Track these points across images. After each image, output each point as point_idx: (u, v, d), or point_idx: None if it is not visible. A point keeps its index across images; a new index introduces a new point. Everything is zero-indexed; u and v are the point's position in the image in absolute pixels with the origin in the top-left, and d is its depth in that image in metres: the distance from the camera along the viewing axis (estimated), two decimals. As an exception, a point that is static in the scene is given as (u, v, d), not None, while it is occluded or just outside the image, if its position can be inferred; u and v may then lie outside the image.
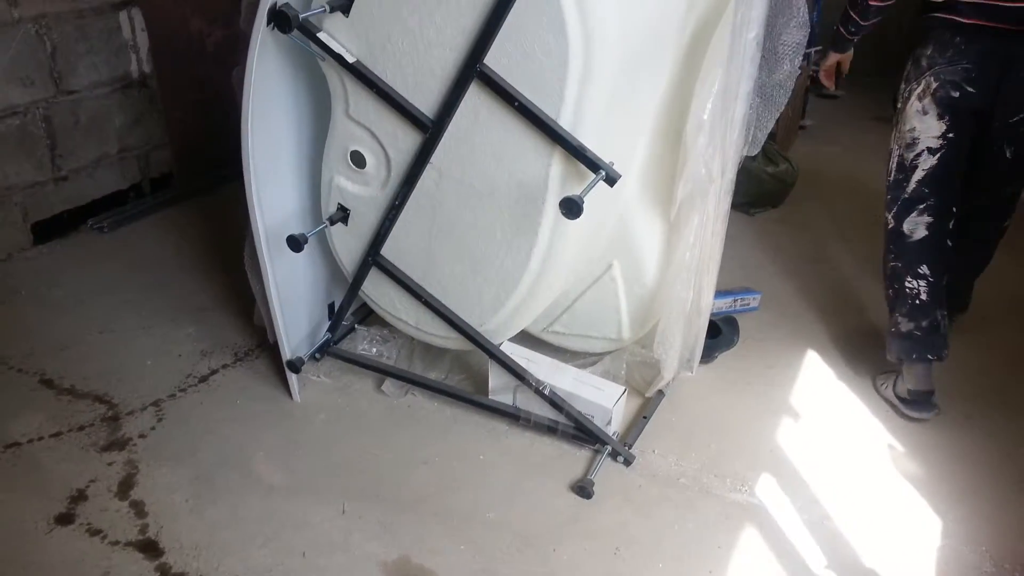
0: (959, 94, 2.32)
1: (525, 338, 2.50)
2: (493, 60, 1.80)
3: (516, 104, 1.82)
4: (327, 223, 2.25)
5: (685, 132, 2.07)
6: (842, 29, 2.65)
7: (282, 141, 2.23)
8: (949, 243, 2.46)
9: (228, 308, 3.00)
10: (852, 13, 2.54)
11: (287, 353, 2.42)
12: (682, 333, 2.33)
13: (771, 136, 3.89)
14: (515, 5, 1.70)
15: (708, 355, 2.64)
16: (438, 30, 1.82)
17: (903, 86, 2.50)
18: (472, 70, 1.82)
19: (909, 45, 2.60)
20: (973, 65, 2.28)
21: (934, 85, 2.35)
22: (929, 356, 2.41)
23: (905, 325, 2.44)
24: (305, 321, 2.54)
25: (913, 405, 2.41)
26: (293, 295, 2.43)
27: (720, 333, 2.72)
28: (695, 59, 2.08)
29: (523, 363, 2.27)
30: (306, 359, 2.47)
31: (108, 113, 3.72)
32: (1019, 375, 2.63)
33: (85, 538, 1.98)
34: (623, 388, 2.28)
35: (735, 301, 2.94)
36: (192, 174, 4.12)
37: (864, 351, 2.73)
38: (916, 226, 2.44)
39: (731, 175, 2.22)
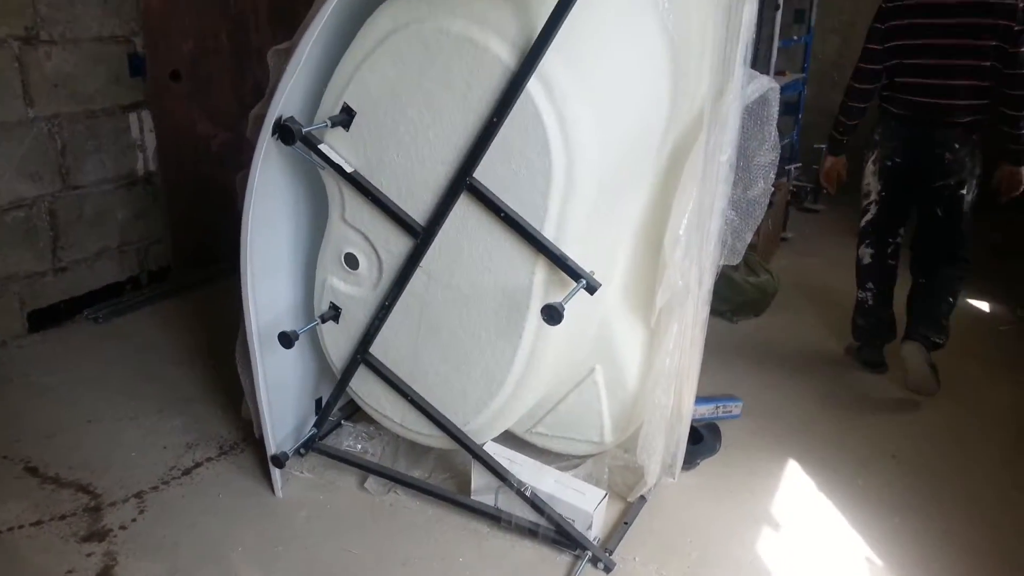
0: (891, 164, 3.22)
1: (508, 439, 2.54)
2: (481, 174, 1.92)
3: (502, 215, 1.93)
4: (319, 321, 2.32)
5: (663, 245, 2.17)
6: (834, 132, 3.44)
7: (279, 242, 2.33)
8: (890, 263, 3.36)
9: (216, 400, 3.04)
10: (839, 116, 3.38)
11: (272, 448, 2.44)
12: (664, 439, 2.37)
13: (752, 247, 4.03)
14: (503, 126, 1.83)
15: (690, 461, 2.67)
16: (431, 146, 1.94)
17: (865, 153, 3.33)
18: (462, 183, 1.94)
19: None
20: (901, 143, 3.18)
21: (878, 155, 3.25)
22: (876, 341, 3.43)
23: (859, 321, 3.46)
24: (292, 415, 2.58)
25: (868, 367, 3.41)
26: (281, 389, 2.47)
27: (702, 439, 2.76)
28: (672, 178, 2.21)
29: (506, 463, 2.30)
30: (291, 454, 2.49)
31: (111, 208, 3.85)
32: (1004, 489, 2.65)
33: (57, 633, 1.96)
34: (604, 492, 2.30)
35: (717, 408, 2.98)
36: (188, 268, 4.22)
37: (844, 462, 2.76)
38: (863, 254, 3.40)
39: (708, 285, 2.31)
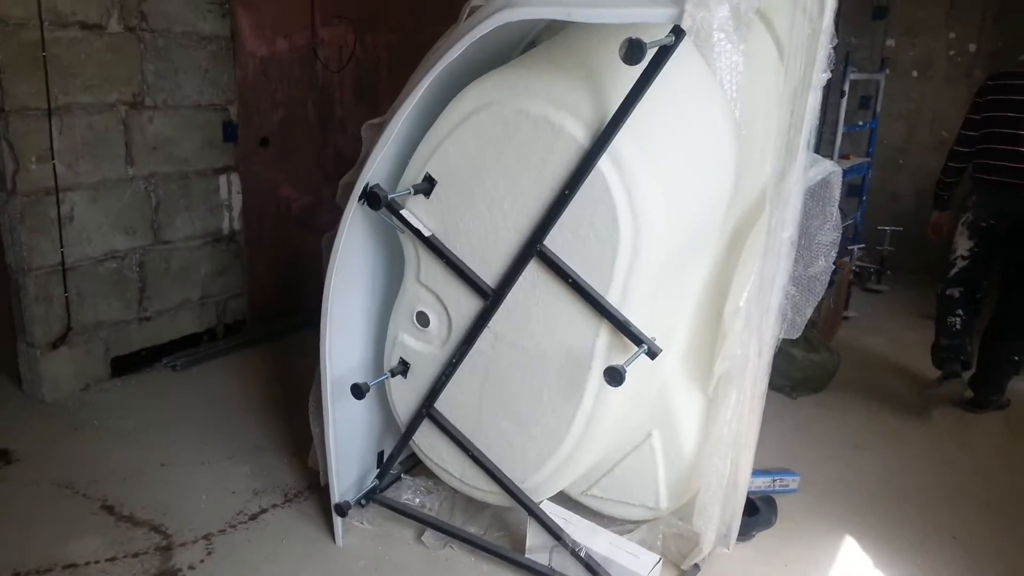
0: (985, 224, 3.67)
1: (563, 500, 2.58)
2: (551, 241, 2.04)
3: (569, 281, 2.03)
4: (388, 375, 2.44)
5: (723, 315, 2.24)
6: (937, 190, 3.97)
7: (355, 300, 2.47)
8: (978, 304, 3.80)
9: (283, 449, 3.16)
10: (941, 176, 3.91)
11: (336, 496, 2.53)
12: (720, 507, 2.39)
13: (813, 324, 4.06)
14: (574, 199, 1.95)
15: (745, 533, 2.67)
16: (505, 215, 2.08)
17: (959, 216, 3.81)
18: (532, 249, 2.06)
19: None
20: (995, 207, 3.63)
21: (971, 218, 3.71)
22: (954, 363, 3.76)
23: (943, 342, 3.82)
24: (355, 467, 2.67)
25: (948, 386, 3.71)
26: (347, 441, 2.58)
27: (758, 511, 2.75)
28: (734, 252, 2.29)
29: (561, 523, 2.34)
30: (353, 503, 2.58)
31: (196, 263, 4.09)
32: None
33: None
34: (658, 557, 2.32)
35: (774, 481, 2.97)
36: (263, 322, 4.42)
37: (903, 540, 2.72)
38: (952, 292, 3.80)
39: (767, 357, 2.36)
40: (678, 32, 1.69)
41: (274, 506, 2.80)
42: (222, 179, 4.13)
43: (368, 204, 2.14)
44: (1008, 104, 3.53)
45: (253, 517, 2.74)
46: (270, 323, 4.44)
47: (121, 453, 3.10)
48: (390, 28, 4.82)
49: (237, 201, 4.22)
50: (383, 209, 2.16)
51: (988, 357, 3.77)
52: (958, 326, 3.80)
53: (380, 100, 4.89)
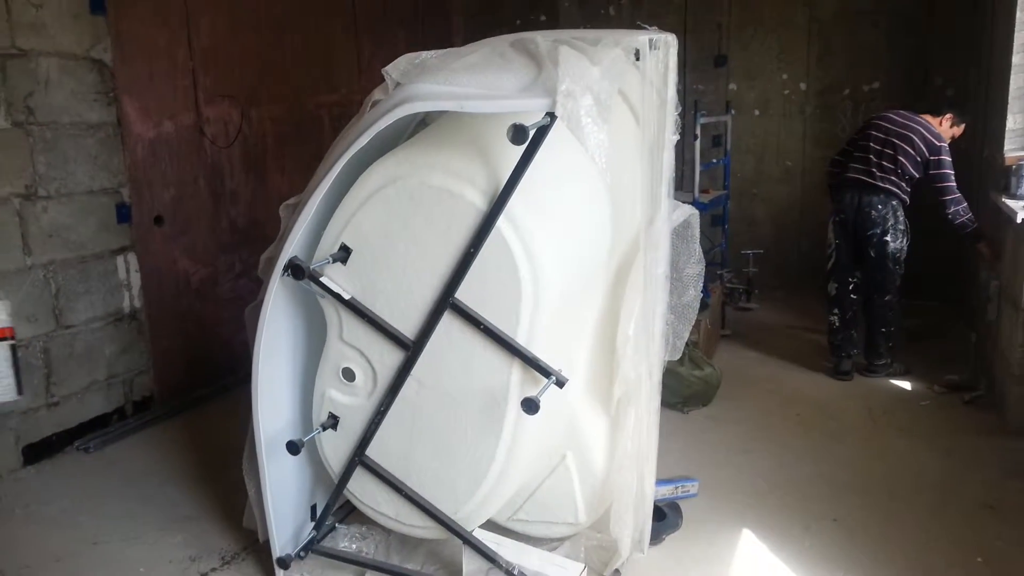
0: (839, 219, 4.61)
1: (492, 527, 2.82)
2: (462, 294, 2.31)
3: (482, 327, 2.31)
4: (319, 429, 2.62)
5: (616, 343, 2.57)
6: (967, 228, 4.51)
7: (282, 363, 2.66)
8: (852, 297, 4.66)
9: (213, 515, 3.25)
10: (965, 220, 4.46)
11: (277, 550, 2.68)
12: (632, 513, 2.69)
13: (695, 344, 4.49)
14: (479, 255, 2.24)
15: (656, 537, 2.98)
16: (418, 273, 2.34)
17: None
18: (446, 302, 2.32)
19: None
20: (845, 203, 4.56)
21: (833, 216, 4.64)
22: (842, 354, 4.69)
23: (832, 339, 4.72)
24: (291, 522, 2.82)
25: (839, 376, 4.66)
26: (282, 497, 2.73)
27: (666, 517, 3.08)
28: (619, 289, 2.64)
29: (493, 546, 2.58)
30: (293, 556, 2.72)
31: (100, 344, 4.11)
32: (934, 540, 3.01)
33: None
34: (583, 565, 2.59)
35: (676, 488, 3.31)
36: (171, 396, 4.46)
37: (792, 527, 3.10)
38: (830, 288, 4.70)
39: (657, 377, 2.70)
40: (552, 116, 2.03)
41: (213, 570, 2.90)
42: (119, 260, 4.19)
43: (292, 275, 2.35)
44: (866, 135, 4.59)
45: (194, 583, 2.83)
46: (178, 396, 4.48)
47: (50, 537, 3.11)
48: (272, 101, 5.03)
49: (136, 279, 4.28)
50: (304, 279, 2.37)
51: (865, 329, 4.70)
52: (837, 324, 4.68)
53: (268, 171, 5.08)
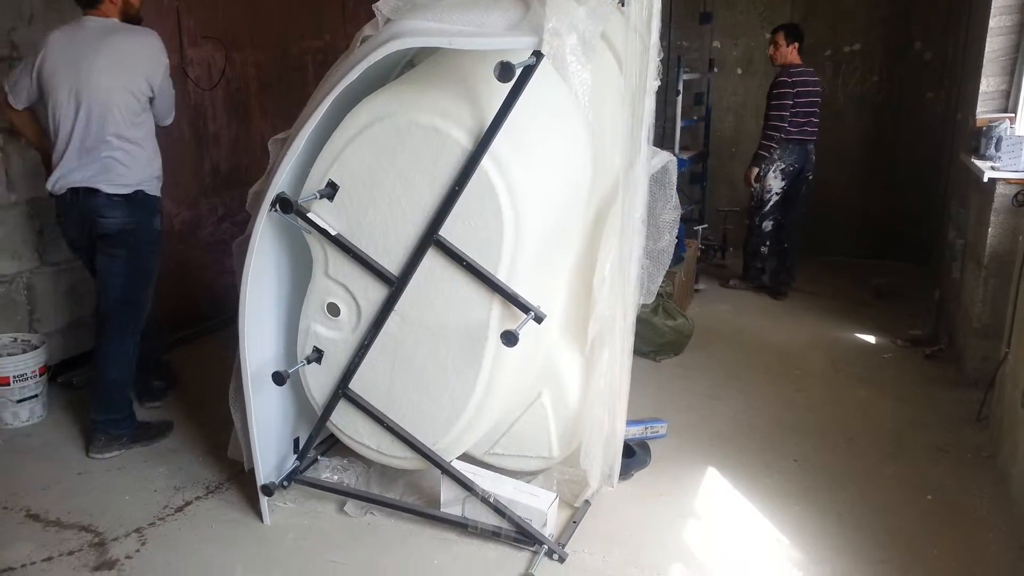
0: (788, 169, 5.35)
1: (469, 461, 2.93)
2: (446, 231, 2.39)
3: (464, 263, 2.39)
4: (303, 362, 2.71)
5: (593, 284, 2.67)
6: (760, 152, 5.34)
7: (268, 297, 2.73)
8: (780, 228, 5.54)
9: (197, 448, 3.34)
10: (767, 143, 5.30)
11: (262, 478, 2.78)
12: (602, 448, 2.82)
13: (669, 295, 4.61)
14: (463, 194, 2.31)
15: (625, 472, 3.12)
16: (404, 211, 2.41)
17: (764, 168, 5.36)
18: (430, 239, 2.40)
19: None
20: (801, 153, 5.34)
21: (782, 166, 5.33)
22: (760, 281, 5.65)
23: (756, 264, 5.62)
24: (274, 452, 2.92)
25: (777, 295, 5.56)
26: (266, 428, 2.82)
27: (635, 454, 3.21)
28: (597, 231, 2.73)
29: (470, 476, 2.70)
30: (276, 485, 2.83)
31: (84, 281, 4.12)
32: (887, 480, 3.17)
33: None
34: (555, 495, 2.72)
35: (646, 428, 3.45)
36: (155, 336, 4.49)
37: (754, 466, 3.25)
38: (766, 225, 5.48)
39: (631, 319, 2.81)
40: (538, 55, 2.09)
41: (198, 498, 3.00)
42: (103, 198, 4.19)
43: (280, 210, 2.41)
44: (808, 91, 5.25)
45: (179, 509, 2.93)
46: (162, 336, 4.52)
47: (35, 466, 3.19)
48: (256, 46, 5.01)
49: (120, 218, 4.28)
50: (292, 213, 2.43)
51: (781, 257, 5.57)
52: (766, 252, 5.55)
53: (252, 115, 5.07)
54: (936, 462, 3.30)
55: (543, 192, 2.43)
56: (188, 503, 2.97)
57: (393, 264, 2.49)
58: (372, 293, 2.55)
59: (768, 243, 5.52)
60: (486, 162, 2.28)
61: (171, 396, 3.85)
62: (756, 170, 5.36)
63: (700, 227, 6.06)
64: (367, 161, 2.41)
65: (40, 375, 3.61)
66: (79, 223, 3.25)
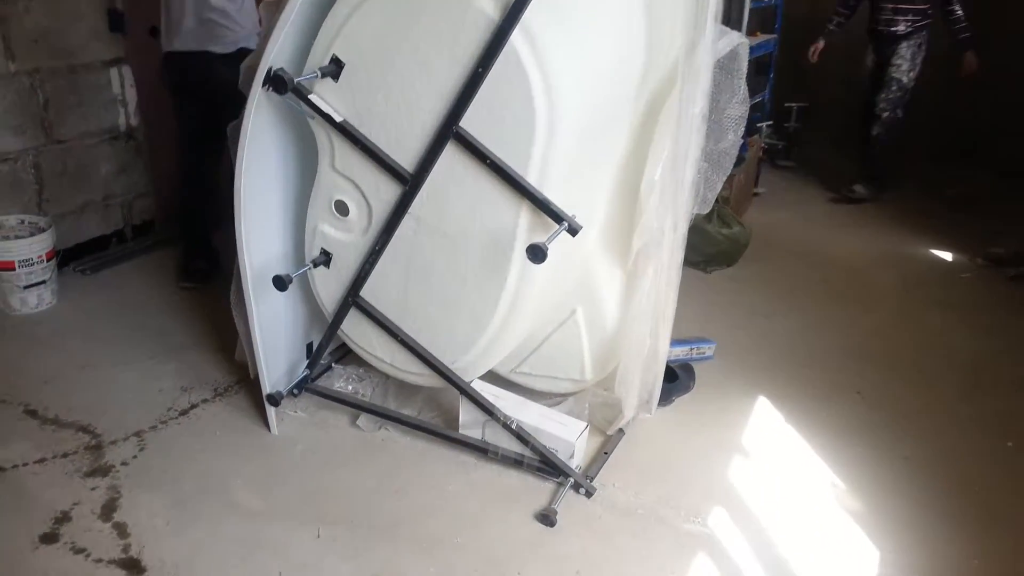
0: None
1: (494, 379, 2.67)
2: (468, 123, 2.02)
3: (488, 162, 2.03)
4: (310, 265, 2.42)
5: (640, 190, 2.29)
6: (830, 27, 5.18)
7: (271, 191, 2.42)
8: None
9: (207, 346, 3.14)
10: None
11: (267, 387, 2.55)
12: (641, 374, 2.52)
13: (725, 200, 4.19)
14: (488, 77, 1.92)
15: (666, 398, 2.82)
16: (418, 96, 2.03)
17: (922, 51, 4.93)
18: (449, 131, 2.03)
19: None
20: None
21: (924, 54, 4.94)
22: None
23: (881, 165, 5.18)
24: (284, 359, 2.68)
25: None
26: (274, 333, 2.57)
27: (677, 378, 2.91)
28: (648, 128, 2.32)
29: (491, 399, 2.43)
30: (285, 394, 2.61)
31: (95, 162, 3.88)
32: (961, 422, 2.84)
33: (69, 556, 2.08)
34: (585, 424, 2.44)
35: (691, 349, 3.13)
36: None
37: (811, 398, 2.93)
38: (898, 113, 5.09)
39: (683, 230, 2.44)
40: None
41: (204, 401, 2.81)
42: (113, 72, 3.88)
43: (273, 89, 2.06)
44: None
45: (184, 412, 2.74)
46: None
47: (38, 358, 3.02)
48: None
49: (132, 95, 3.98)
50: (289, 94, 2.08)
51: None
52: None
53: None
54: (1018, 403, 2.93)
55: (585, 77, 2.03)
56: (194, 406, 2.78)
57: (407, 159, 2.14)
58: (384, 192, 2.22)
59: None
60: (516, 38, 1.88)
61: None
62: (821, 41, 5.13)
63: (764, 124, 5.52)
64: (376, 34, 2.02)
65: (48, 260, 3.41)
66: (187, 84, 3.45)
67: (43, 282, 3.40)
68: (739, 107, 2.39)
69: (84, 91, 3.76)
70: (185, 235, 3.80)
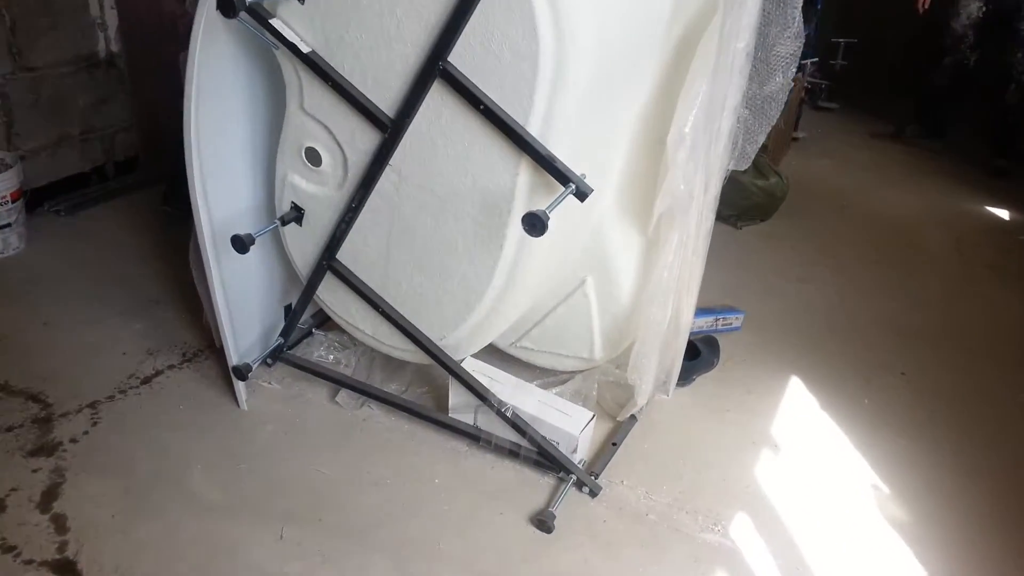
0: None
1: (492, 352, 2.36)
2: (458, 59, 1.65)
3: (481, 107, 1.67)
4: (278, 222, 2.09)
5: (666, 144, 1.91)
6: None
7: (235, 133, 2.08)
8: None
9: (181, 303, 2.84)
10: None
11: (233, 358, 2.26)
12: (658, 356, 2.19)
13: (762, 148, 3.76)
14: (482, 2, 1.54)
15: (686, 377, 2.50)
16: (399, 23, 1.66)
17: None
18: (434, 68, 1.67)
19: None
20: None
21: None
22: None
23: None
24: (257, 323, 2.39)
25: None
26: (244, 295, 2.27)
27: (699, 354, 2.58)
28: (680, 68, 1.92)
29: (485, 381, 2.12)
30: (255, 365, 2.31)
31: (72, 92, 3.54)
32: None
33: (-4, 556, 1.83)
34: (591, 414, 2.12)
35: (717, 320, 2.80)
36: (158, 158, 3.94)
37: (849, 379, 2.60)
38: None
39: (715, 192, 2.08)
40: None
41: (170, 367, 2.52)
42: (90, -9, 3.51)
43: (220, 9, 1.69)
44: None
45: (146, 381, 2.46)
46: (166, 159, 3.97)
47: (-3, 311, 2.75)
48: None
49: (112, 18, 3.61)
50: (244, 16, 1.72)
51: None
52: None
53: None
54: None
55: (602, 9, 1.64)
56: (158, 373, 2.50)
57: (387, 102, 1.78)
58: (360, 140, 1.87)
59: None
60: (518, -48, 1.49)
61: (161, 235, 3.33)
62: None
63: (808, 61, 5.02)
64: (349, -55, 1.64)
65: (14, 201, 3.11)
66: None
67: (8, 225, 3.11)
68: (791, 43, 1.97)
69: (58, 13, 3.40)
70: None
